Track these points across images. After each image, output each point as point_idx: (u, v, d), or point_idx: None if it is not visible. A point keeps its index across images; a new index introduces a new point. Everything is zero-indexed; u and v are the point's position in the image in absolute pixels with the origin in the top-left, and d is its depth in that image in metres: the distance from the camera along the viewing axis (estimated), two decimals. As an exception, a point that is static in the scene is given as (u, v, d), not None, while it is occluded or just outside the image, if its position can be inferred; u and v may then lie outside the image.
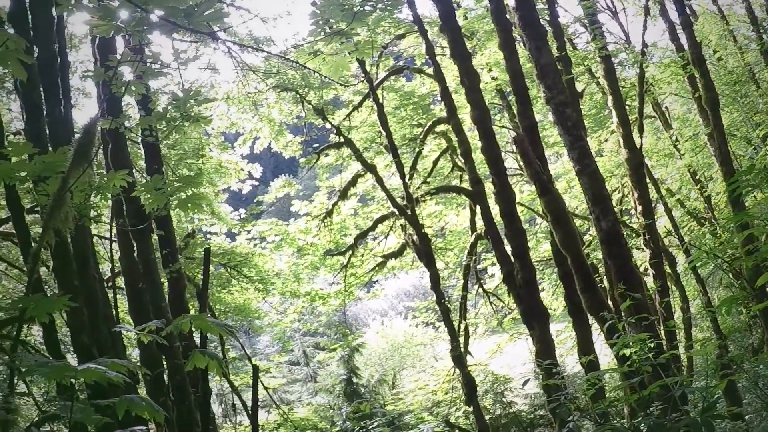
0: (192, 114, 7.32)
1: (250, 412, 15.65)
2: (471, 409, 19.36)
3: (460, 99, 19.70)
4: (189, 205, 6.71)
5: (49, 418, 5.52)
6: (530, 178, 16.18)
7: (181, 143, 19.48)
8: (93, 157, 5.79)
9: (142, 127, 13.64)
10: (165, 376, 12.38)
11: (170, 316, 12.42)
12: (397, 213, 20.31)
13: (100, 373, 4.01)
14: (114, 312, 11.70)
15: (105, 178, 7.18)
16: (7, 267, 21.07)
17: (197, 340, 14.08)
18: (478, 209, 19.33)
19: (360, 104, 21.96)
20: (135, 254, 13.11)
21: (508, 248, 17.08)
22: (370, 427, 16.95)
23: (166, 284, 14.41)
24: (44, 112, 10.45)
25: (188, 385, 12.43)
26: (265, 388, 18.51)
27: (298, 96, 20.61)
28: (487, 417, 19.88)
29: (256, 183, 22.19)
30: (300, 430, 23.61)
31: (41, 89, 10.36)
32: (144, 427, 4.81)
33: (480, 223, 20.69)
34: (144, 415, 4.33)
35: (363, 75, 20.78)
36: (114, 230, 13.92)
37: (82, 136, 5.81)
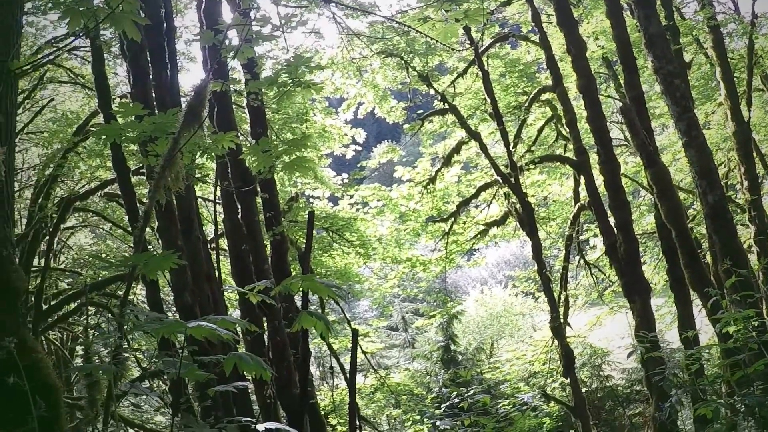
0: (303, 80, 7.32)
1: (348, 375, 15.78)
2: (568, 381, 19.24)
3: (565, 67, 19.48)
4: (295, 167, 6.74)
5: (152, 374, 5.62)
6: (636, 149, 15.98)
7: (286, 108, 19.57)
8: (204, 119, 5.86)
9: (248, 92, 13.75)
10: (265, 337, 12.52)
11: (272, 278, 12.53)
12: (500, 181, 20.19)
13: (210, 330, 4.06)
14: (217, 273, 11.84)
15: (211, 140, 7.25)
16: (112, 227, 21.51)
17: (297, 303, 14.23)
18: (582, 179, 19.16)
19: (465, 71, 21.84)
20: (239, 216, 13.24)
21: (611, 220, 16.92)
22: (466, 394, 16.88)
23: (268, 247, 14.54)
24: (150, 77, 10.60)
25: (288, 347, 12.56)
26: (364, 352, 18.58)
27: (402, 62, 20.56)
28: (583, 390, 19.73)
29: (359, 148, 22.19)
30: (396, 395, 23.72)
31: (148, 53, 10.50)
32: (247, 383, 4.87)
33: (583, 193, 20.52)
34: (250, 374, 4.37)
35: (468, 42, 20.68)
36: (218, 192, 14.09)
37: (194, 97, 5.89)
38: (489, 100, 20.48)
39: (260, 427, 4.77)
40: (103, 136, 6.67)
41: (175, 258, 4.81)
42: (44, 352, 5.65)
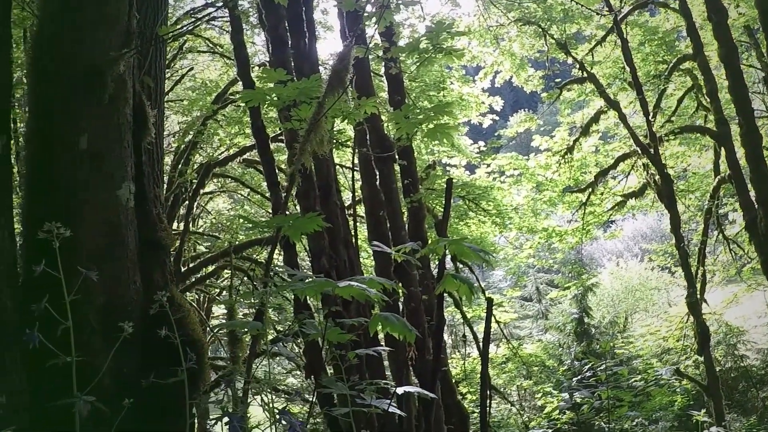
0: (443, 46, 7.32)
1: (481, 344, 15.81)
2: (702, 358, 18.92)
3: (706, 36, 19.07)
4: (437, 133, 6.75)
5: (293, 334, 5.70)
6: (780, 121, 15.59)
7: (423, 76, 19.58)
8: (348, 84, 5.91)
9: (387, 59, 13.79)
10: (400, 303, 12.59)
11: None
12: (639, 152, 19.91)
13: (358, 290, 4.10)
14: (354, 239, 11.94)
15: (353, 105, 7.31)
16: (249, 192, 21.88)
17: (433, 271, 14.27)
18: (722, 151, 18.77)
19: (603, 39, 21.54)
20: (377, 183, 13.32)
21: (752, 194, 16.54)
22: (598, 368, 16.77)
23: (405, 214, 14.61)
24: (289, 45, 10.71)
25: (423, 313, 12.62)
26: (497, 322, 18.60)
27: (540, 30, 20.40)
28: (716, 369, 19.37)
29: (496, 117, 22.04)
30: (528, 366, 23.67)
31: (286, 23, 10.62)
32: (385, 347, 4.91)
33: (724, 166, 20.08)
34: (395, 335, 4.40)
35: (607, 9, 20.40)
36: (356, 159, 14.19)
37: (337, 61, 5.94)
38: (628, 69, 20.20)
39: (399, 389, 4.82)
40: (247, 101, 6.79)
41: (320, 220, 4.87)
42: (190, 309, 5.83)
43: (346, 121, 8.28)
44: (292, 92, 6.03)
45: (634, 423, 15.71)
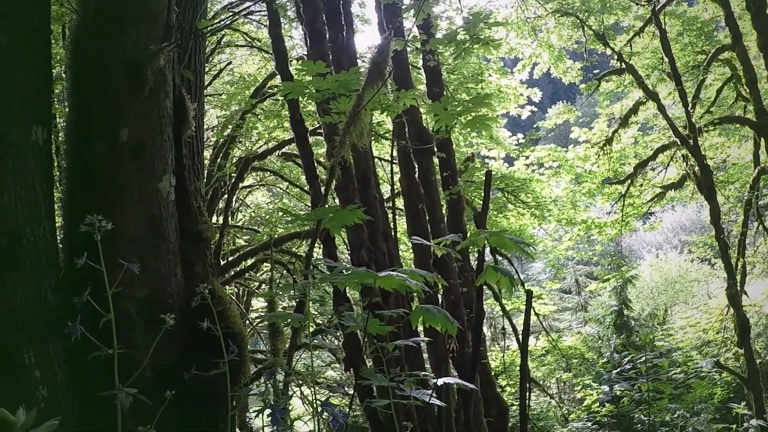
0: (481, 37, 7.31)
1: (520, 336, 15.80)
2: (742, 351, 18.80)
3: (745, 25, 18.93)
4: (477, 125, 6.75)
5: (333, 326, 5.72)
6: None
7: (461, 68, 19.56)
8: (387, 76, 5.92)
9: (424, 51, 13.79)
10: (439, 296, 12.58)
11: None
12: (678, 143, 19.80)
13: (399, 281, 4.10)
14: (393, 231, 11.95)
15: (392, 98, 7.32)
16: (288, 186, 21.94)
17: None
18: (762, 142, 18.66)
19: (642, 30, 21.43)
20: (416, 175, 13.33)
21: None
22: (637, 361, 16.73)
23: (444, 207, 14.60)
24: (327, 38, 10.74)
25: (462, 306, 12.63)
26: (536, 314, 18.58)
27: (578, 21, 20.34)
28: (757, 361, 19.23)
29: (535, 109, 22.00)
30: (567, 358, 23.61)
31: (324, 16, 10.65)
32: (425, 338, 4.91)
33: (764, 156, 19.95)
34: (437, 326, 4.40)
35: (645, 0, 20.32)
36: (395, 152, 14.21)
37: (377, 54, 5.96)
38: (666, 60, 20.08)
39: (439, 381, 4.82)
40: (286, 93, 6.81)
41: (360, 212, 4.89)
42: (231, 301, 5.88)
43: (385, 113, 8.30)
44: (331, 85, 6.05)
45: (675, 415, 15.64)
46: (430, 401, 4.44)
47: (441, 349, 11.07)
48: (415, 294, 4.50)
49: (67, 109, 5.85)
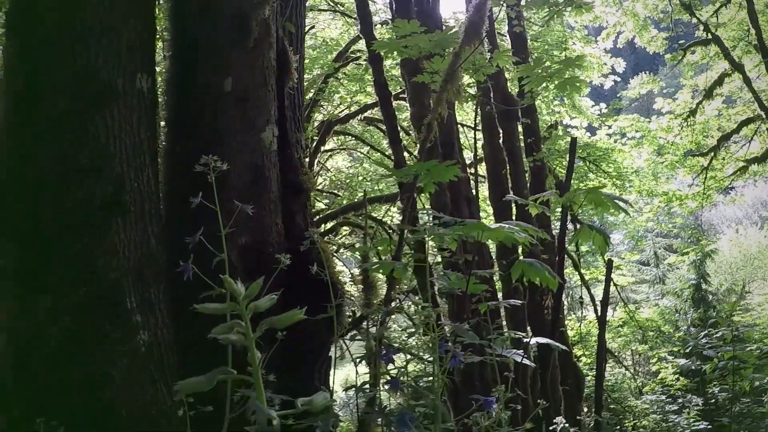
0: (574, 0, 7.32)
1: (599, 306, 15.76)
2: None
3: (838, -1, 18.62)
4: (568, 87, 6.75)
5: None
6: None
7: (545, 36, 19.46)
8: (483, 35, 5.96)
9: (512, 17, 13.77)
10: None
11: (530, 203, 12.58)
12: (763, 116, 19.55)
13: (507, 233, 4.14)
14: (475, 196, 11.99)
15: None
16: (369, 150, 21.98)
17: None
18: None
19: (729, 0, 21.13)
20: (500, 141, 13.36)
21: None
22: (714, 335, 16.60)
23: (526, 173, 14.61)
24: (412, 2, 10.76)
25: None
26: (614, 285, 18.47)
27: (665, -11, 20.14)
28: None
29: (618, 78, 21.80)
30: (644, 330, 23.47)
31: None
32: (519, 302, 4.94)
33: None
34: (536, 280, 4.43)
35: (734, -30, 20.05)
36: (478, 119, 14.22)
37: (473, 13, 6.00)
38: (753, 31, 19.78)
39: (532, 340, 4.87)
40: (382, 50, 6.88)
41: (457, 169, 4.93)
42: (329, 252, 5.97)
43: (472, 77, 8.32)
44: (428, 43, 6.09)
45: (756, 384, 15.45)
46: (523, 361, 4.47)
47: (547, 303, 11.13)
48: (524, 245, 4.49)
49: (167, 60, 5.95)
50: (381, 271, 5.17)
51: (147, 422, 4.55)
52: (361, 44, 16.48)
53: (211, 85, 5.56)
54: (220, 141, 5.27)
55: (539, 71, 6.74)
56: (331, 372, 5.85)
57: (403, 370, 3.91)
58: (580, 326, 21.67)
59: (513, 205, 12.23)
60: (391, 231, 16.99)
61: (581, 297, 20.63)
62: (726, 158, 23.77)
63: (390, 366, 3.79)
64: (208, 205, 3.40)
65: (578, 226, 18.26)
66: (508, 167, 13.41)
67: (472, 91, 13.45)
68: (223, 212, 3.74)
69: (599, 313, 14.24)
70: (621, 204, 4.88)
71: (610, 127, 22.02)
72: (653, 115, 23.93)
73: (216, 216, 3.73)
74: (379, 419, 3.55)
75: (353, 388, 3.98)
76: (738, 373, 14.78)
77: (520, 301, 4.90)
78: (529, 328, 12.16)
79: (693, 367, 17.53)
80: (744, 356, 14.44)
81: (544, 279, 4.30)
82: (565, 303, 26.57)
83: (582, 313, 22.34)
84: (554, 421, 5.51)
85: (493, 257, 12.82)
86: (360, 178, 21.63)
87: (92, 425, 4.32)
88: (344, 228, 19.85)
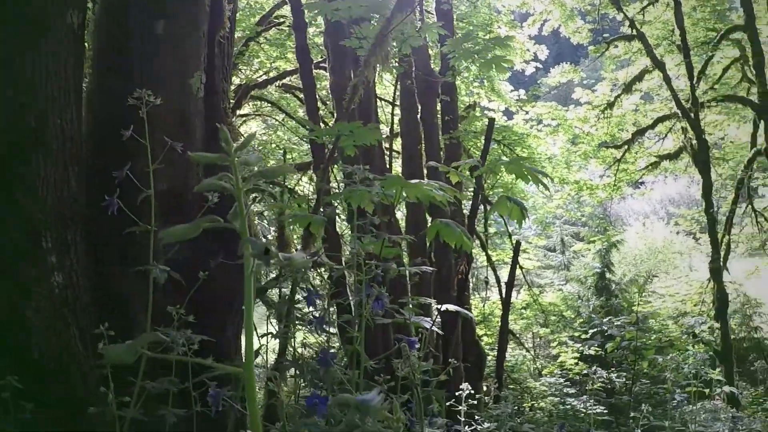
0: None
1: (504, 287, 15.94)
2: (718, 325, 19.08)
3: (759, 9, 19.04)
4: (494, 65, 6.82)
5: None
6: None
7: (471, 17, 19.52)
8: (416, 4, 6.00)
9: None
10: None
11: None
12: (679, 114, 19.96)
13: (426, 190, 4.19)
14: (389, 171, 12.02)
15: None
16: (285, 118, 21.83)
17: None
18: (762, 124, 18.82)
19: (657, -1, 21.52)
20: (418, 117, 13.39)
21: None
22: (615, 323, 16.93)
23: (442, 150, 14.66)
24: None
25: (451, 250, 12.74)
26: (520, 267, 18.62)
27: (594, -18, 20.38)
28: (731, 337, 19.53)
29: (539, 66, 21.98)
30: (546, 314, 23.77)
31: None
32: (431, 269, 4.98)
33: (761, 139, 20.11)
34: (451, 242, 4.48)
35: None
36: (398, 93, 14.24)
37: (407, -17, 6.03)
38: (678, 32, 20.18)
39: (442, 306, 4.92)
40: (312, 12, 6.88)
41: (380, 133, 4.97)
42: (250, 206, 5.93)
43: (398, 50, 8.36)
44: (359, 8, 6.10)
45: (657, 366, 15.79)
46: (431, 327, 4.51)
47: (461, 268, 11.22)
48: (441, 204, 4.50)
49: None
50: (298, 225, 5.17)
51: (58, 365, 4.52)
52: (286, 10, 16.41)
53: (143, 26, 5.47)
54: (148, 84, 5.19)
55: (467, 45, 6.79)
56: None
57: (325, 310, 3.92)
58: (483, 306, 21.86)
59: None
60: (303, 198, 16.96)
61: (486, 277, 20.78)
62: (639, 153, 24.25)
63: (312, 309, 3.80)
64: (131, 149, 3.40)
65: (489, 207, 18.48)
66: (423, 143, 13.46)
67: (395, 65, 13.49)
68: (151, 155, 3.74)
69: (504, 294, 14.44)
70: (541, 178, 4.93)
71: (527, 112, 22.22)
72: (571, 104, 24.26)
73: (138, 159, 3.72)
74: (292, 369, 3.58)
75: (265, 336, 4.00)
76: (640, 353, 15.14)
77: (430, 268, 4.95)
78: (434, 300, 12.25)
79: (597, 345, 17.87)
80: (646, 339, 14.84)
81: (460, 241, 4.35)
82: (471, 283, 26.84)
83: (486, 293, 22.51)
84: (460, 387, 5.58)
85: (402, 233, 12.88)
86: (273, 145, 21.53)
87: (2, 365, 4.26)
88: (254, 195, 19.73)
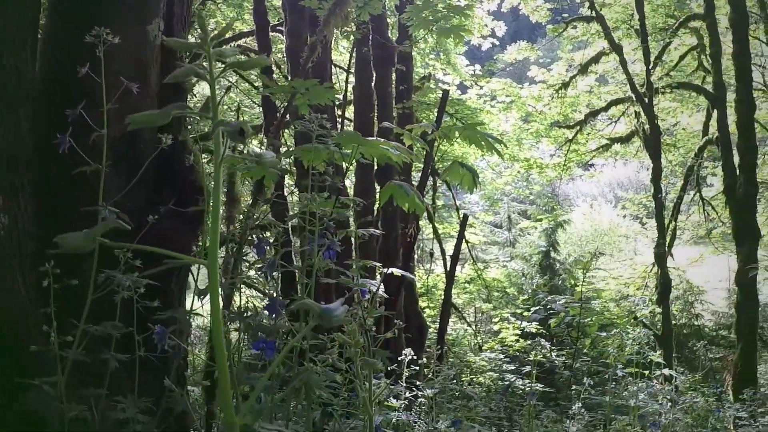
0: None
1: (448, 260, 15.95)
2: (659, 309, 19.26)
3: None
4: (452, 34, 6.77)
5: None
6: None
7: (429, -14, 19.48)
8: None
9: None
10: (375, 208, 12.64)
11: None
12: (633, 99, 20.07)
13: (382, 149, 4.13)
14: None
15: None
16: (238, 79, 21.64)
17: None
18: (714, 114, 18.96)
19: (618, -18, 21.61)
20: (372, 85, 13.33)
21: (736, 159, 16.82)
22: (558, 302, 17.07)
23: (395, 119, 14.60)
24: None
25: (398, 219, 12.72)
26: (466, 242, 18.65)
27: (555, -40, 20.39)
28: (672, 322, 19.74)
29: (496, 42, 21.94)
30: (489, 289, 23.87)
31: None
32: (379, 232, 4.93)
33: (713, 128, 20.27)
34: (404, 205, 4.44)
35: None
36: (353, 60, 14.16)
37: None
38: (637, 16, 20.27)
39: (388, 270, 4.88)
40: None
41: (335, 92, 4.90)
42: (201, 159, 5.79)
43: (357, 16, 8.28)
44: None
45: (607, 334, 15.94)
46: (377, 290, 4.47)
47: (410, 232, 11.18)
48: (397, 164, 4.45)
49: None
50: (250, 177, 5.10)
51: (2, 314, 4.39)
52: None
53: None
54: (105, 27, 5.03)
55: (426, 14, 6.74)
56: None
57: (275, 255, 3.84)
58: (427, 279, 21.91)
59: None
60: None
61: (432, 249, 20.82)
62: (591, 134, 24.39)
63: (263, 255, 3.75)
64: (84, 92, 3.32)
65: (438, 181, 18.46)
66: (376, 111, 13.41)
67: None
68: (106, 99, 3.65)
69: (448, 268, 14.43)
70: (495, 144, 4.90)
71: (481, 87, 22.25)
72: (526, 82, 24.28)
73: (91, 105, 3.62)
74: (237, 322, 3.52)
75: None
76: (583, 330, 15.27)
77: (378, 231, 4.89)
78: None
79: (538, 322, 17.99)
80: (589, 316, 14.97)
81: (413, 204, 4.32)
82: (416, 254, 26.86)
83: (431, 266, 22.56)
84: (403, 352, 5.56)
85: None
86: (225, 107, 21.37)
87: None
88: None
